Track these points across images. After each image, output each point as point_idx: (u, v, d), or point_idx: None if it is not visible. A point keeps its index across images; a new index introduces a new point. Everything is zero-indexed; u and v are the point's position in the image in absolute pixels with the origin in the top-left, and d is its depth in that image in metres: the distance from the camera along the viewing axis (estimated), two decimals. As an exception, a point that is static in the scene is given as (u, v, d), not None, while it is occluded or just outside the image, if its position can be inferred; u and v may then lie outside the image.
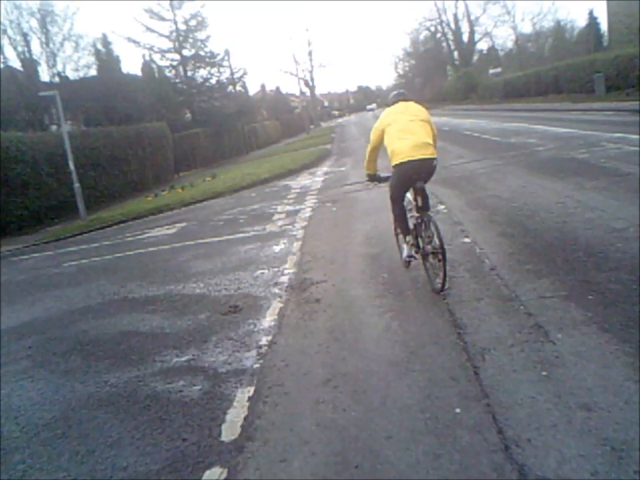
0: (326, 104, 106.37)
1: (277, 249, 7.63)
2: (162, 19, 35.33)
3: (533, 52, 58.07)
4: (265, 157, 29.21)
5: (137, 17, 35.17)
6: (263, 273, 6.50)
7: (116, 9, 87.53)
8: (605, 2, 33.77)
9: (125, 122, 25.56)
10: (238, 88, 43.40)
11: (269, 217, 10.27)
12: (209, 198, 15.03)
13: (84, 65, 32.30)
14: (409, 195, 5.10)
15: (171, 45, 36.29)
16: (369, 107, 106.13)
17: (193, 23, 36.35)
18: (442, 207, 8.21)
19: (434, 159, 4.75)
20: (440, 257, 4.47)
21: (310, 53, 56.84)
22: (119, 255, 9.65)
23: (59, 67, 31.25)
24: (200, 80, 37.77)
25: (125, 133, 22.81)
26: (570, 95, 26.69)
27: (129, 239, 11.29)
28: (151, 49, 35.55)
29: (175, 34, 35.96)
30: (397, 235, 5.63)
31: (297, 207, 10.79)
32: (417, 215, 4.93)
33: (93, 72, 32.27)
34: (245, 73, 40.71)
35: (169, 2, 35.04)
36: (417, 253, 5.08)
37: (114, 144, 21.60)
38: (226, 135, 36.80)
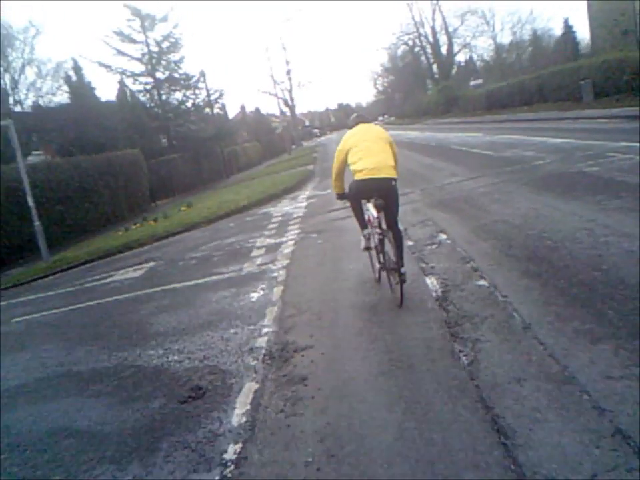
0: (307, 123, 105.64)
1: (254, 296, 6.44)
2: (133, 41, 33.74)
3: (511, 62, 57.95)
4: (245, 180, 28.01)
5: (107, 40, 32.87)
6: (235, 333, 5.31)
7: (82, 31, 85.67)
8: (585, 5, 33.30)
9: (98, 150, 24.17)
10: (216, 110, 42.17)
11: (246, 253, 9.08)
12: (182, 230, 13.75)
13: (47, 91, 30.72)
14: (374, 212, 5.05)
15: (143, 67, 34.69)
16: None
17: (165, 44, 34.87)
18: (444, 236, 7.10)
19: (392, 179, 5.01)
20: (394, 273, 4.81)
21: (288, 72, 55.92)
22: (75, 306, 8.36)
23: (21, 95, 29.75)
24: (175, 103, 36.31)
25: (95, 163, 21.40)
26: (556, 104, 25.98)
27: (91, 284, 9.99)
28: (122, 72, 33.85)
29: (147, 56, 34.37)
30: (368, 251, 5.62)
31: (278, 240, 9.62)
32: (379, 231, 5.00)
33: (57, 99, 30.70)
34: (221, 95, 39.08)
35: (139, 23, 33.70)
36: (380, 269, 5.38)
37: (83, 175, 20.19)
38: (204, 160, 35.45)
